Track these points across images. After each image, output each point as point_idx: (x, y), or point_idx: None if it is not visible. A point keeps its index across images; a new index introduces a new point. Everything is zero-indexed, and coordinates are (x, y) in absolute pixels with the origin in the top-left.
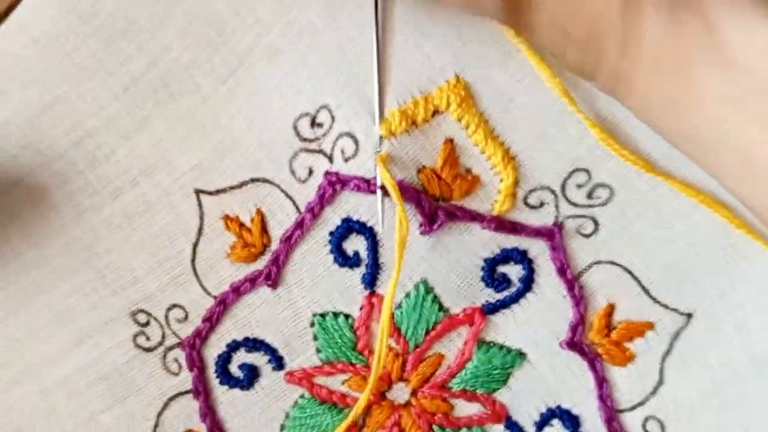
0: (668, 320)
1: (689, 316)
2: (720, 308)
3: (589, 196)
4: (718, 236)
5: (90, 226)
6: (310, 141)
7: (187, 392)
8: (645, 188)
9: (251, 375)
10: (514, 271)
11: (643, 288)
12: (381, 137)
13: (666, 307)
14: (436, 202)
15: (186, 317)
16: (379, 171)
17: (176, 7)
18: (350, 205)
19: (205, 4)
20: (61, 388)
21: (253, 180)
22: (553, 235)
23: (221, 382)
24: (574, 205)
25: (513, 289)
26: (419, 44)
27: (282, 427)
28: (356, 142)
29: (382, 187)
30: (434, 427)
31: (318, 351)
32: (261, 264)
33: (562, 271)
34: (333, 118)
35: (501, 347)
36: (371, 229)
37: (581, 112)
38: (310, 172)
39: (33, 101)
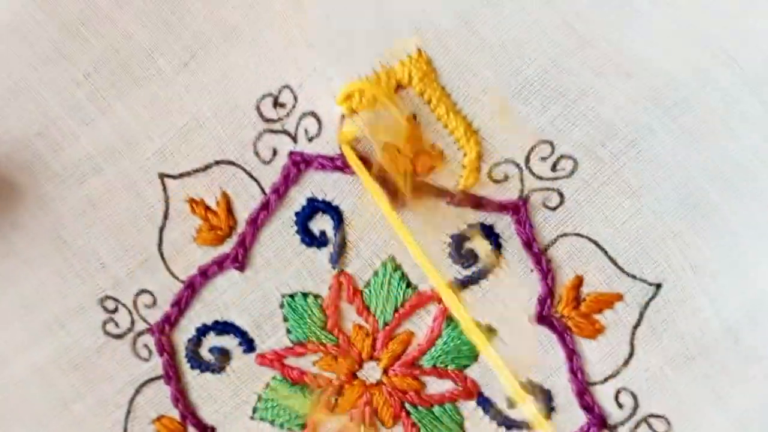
0: (637, 291)
1: (658, 286)
2: (691, 278)
3: (554, 168)
4: (686, 205)
5: (56, 215)
6: (274, 121)
7: (158, 378)
8: (608, 158)
9: (222, 358)
10: (481, 247)
11: (611, 259)
12: (343, 116)
13: (634, 277)
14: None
15: (154, 302)
16: (346, 151)
17: None
18: (315, 184)
19: None
20: (33, 378)
21: (217, 162)
22: (518, 209)
23: (192, 367)
24: (539, 178)
25: (480, 265)
26: (379, 16)
27: (254, 409)
28: (319, 121)
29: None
30: (406, 405)
31: (288, 332)
32: (228, 247)
33: (528, 244)
34: (295, 98)
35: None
36: (336, 208)
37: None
38: (275, 152)
39: None
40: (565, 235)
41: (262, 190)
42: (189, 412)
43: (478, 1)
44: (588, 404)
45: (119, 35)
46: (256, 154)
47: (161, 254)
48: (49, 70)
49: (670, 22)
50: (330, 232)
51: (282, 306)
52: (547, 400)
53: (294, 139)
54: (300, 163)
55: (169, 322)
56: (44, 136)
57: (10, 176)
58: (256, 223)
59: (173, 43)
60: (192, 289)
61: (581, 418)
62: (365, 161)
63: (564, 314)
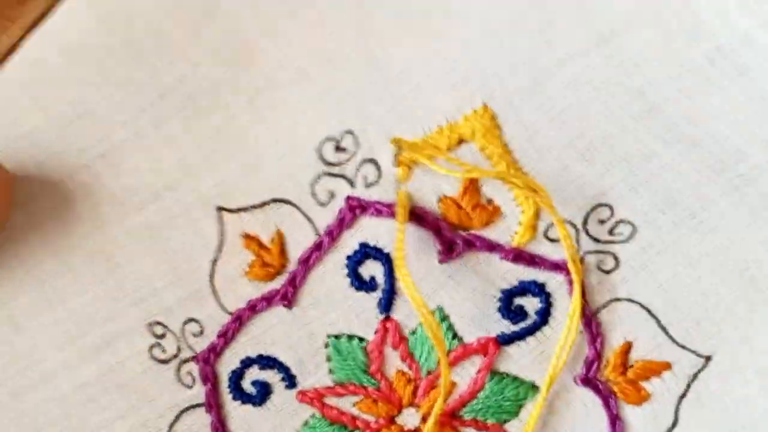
0: (686, 361)
1: (708, 358)
2: (742, 352)
3: (611, 232)
4: (742, 279)
5: (112, 237)
6: (334, 165)
7: (199, 405)
8: (668, 226)
9: (263, 392)
10: (531, 304)
11: (662, 328)
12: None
13: (684, 347)
14: (455, 231)
15: (202, 332)
16: (399, 197)
17: (208, 25)
18: (369, 230)
19: (236, 23)
20: (78, 395)
21: (274, 200)
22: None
23: (234, 398)
24: (596, 240)
25: (529, 322)
26: (450, 72)
27: None
28: (379, 168)
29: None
30: None
31: (331, 372)
32: (278, 283)
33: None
34: (357, 144)
35: (514, 378)
36: (388, 255)
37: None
38: (332, 195)
39: (63, 110)
40: (617, 299)
41: (316, 231)
42: None
43: (548, 60)
44: None
45: (188, 66)
46: (313, 195)
47: (212, 285)
48: (115, 95)
49: (741, 94)
50: (380, 278)
51: (327, 346)
52: None
53: (352, 184)
54: (356, 208)
55: (215, 352)
56: (106, 159)
57: (69, 196)
58: (307, 263)
59: (241, 79)
60: (239, 321)
61: None
62: (421, 211)
63: (610, 379)
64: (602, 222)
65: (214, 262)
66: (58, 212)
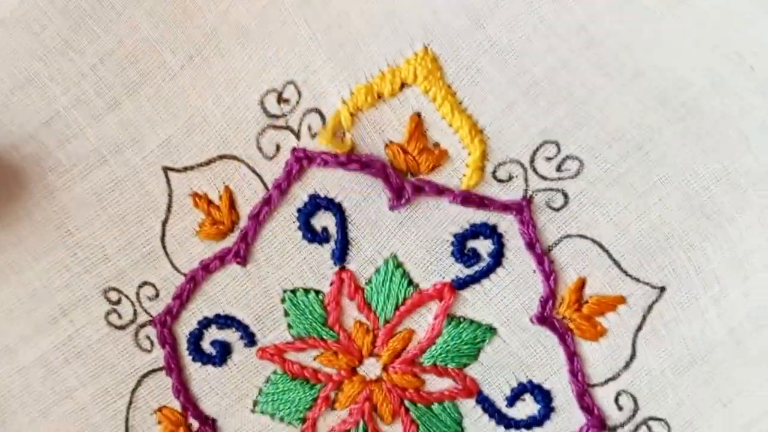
0: (641, 294)
1: (662, 289)
2: (695, 281)
3: (559, 168)
4: (692, 208)
5: (61, 205)
6: (277, 117)
7: (160, 369)
8: (615, 159)
9: (223, 351)
10: (483, 246)
11: (615, 261)
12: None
13: (638, 280)
14: (403, 177)
15: (157, 295)
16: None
17: None
18: (317, 181)
19: None
20: (38, 366)
21: (220, 157)
22: (521, 209)
23: (194, 359)
24: (544, 178)
25: (483, 264)
26: (389, 16)
27: (255, 402)
28: (323, 117)
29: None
30: (405, 402)
31: (289, 327)
32: (230, 241)
33: (531, 245)
34: (299, 93)
35: (471, 322)
36: (339, 205)
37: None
38: (278, 148)
39: (3, 81)
40: (568, 236)
41: (265, 185)
42: (190, 404)
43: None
44: (588, 406)
45: (126, 28)
46: (259, 149)
47: (164, 247)
48: (55, 62)
49: (682, 23)
50: (332, 229)
51: (283, 301)
52: (546, 400)
53: (297, 135)
54: (302, 159)
55: (171, 314)
56: (50, 128)
57: (15, 166)
58: (258, 219)
59: (179, 38)
60: (194, 282)
61: (581, 419)
62: (368, 158)
63: (566, 316)
64: (549, 159)
65: (164, 223)
66: (4, 184)
